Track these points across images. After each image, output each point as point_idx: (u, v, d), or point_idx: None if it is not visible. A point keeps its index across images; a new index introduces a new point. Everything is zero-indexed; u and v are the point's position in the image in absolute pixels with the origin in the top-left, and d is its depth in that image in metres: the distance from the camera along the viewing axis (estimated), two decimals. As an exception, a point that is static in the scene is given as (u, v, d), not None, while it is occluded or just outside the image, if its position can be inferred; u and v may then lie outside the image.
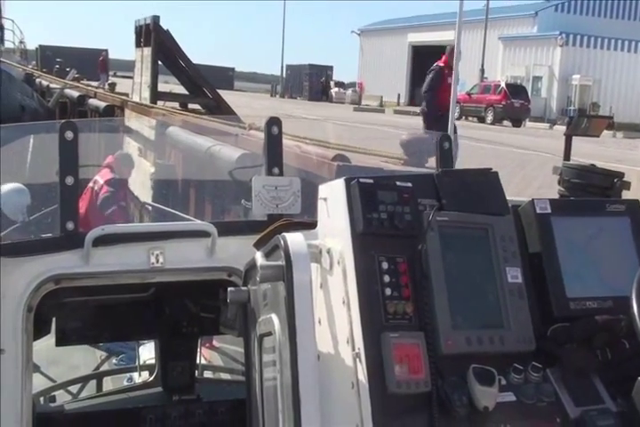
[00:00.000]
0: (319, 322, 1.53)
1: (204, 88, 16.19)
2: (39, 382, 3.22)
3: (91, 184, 7.00)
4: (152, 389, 3.14)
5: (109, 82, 24.81)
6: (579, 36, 35.89)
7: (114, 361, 4.51)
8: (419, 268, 1.46)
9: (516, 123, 28.42)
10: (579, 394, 1.50)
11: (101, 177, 7.09)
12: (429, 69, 10.11)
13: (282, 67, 48.91)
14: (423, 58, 42.96)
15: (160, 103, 15.72)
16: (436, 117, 9.40)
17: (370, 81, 45.56)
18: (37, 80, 24.63)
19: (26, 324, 1.98)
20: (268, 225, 1.82)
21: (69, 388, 3.65)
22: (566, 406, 1.48)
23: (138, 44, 17.18)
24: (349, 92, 44.02)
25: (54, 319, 2.64)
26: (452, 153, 2.06)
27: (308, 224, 1.72)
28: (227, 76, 50.79)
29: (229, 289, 1.71)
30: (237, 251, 2.07)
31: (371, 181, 1.51)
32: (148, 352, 3.80)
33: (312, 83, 44.86)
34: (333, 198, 1.55)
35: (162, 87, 17.47)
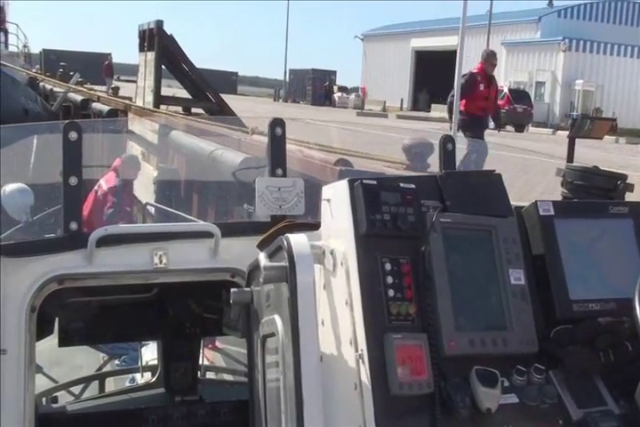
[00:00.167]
0: (322, 323, 1.54)
1: (208, 92, 16.23)
2: (41, 383, 3.22)
3: (96, 187, 7.01)
4: (154, 390, 3.14)
5: (113, 86, 24.87)
6: (581, 41, 35.93)
7: (116, 362, 4.50)
8: (422, 269, 1.47)
9: (519, 128, 28.45)
10: (581, 396, 1.50)
11: (106, 182, 7.09)
12: (462, 75, 9.79)
13: (285, 71, 49.03)
14: (426, 63, 43.13)
15: (163, 107, 15.76)
16: (466, 124, 9.09)
17: (373, 86, 45.63)
18: (41, 84, 24.70)
19: (29, 324, 1.98)
20: (271, 226, 1.83)
21: (72, 389, 3.65)
22: (569, 407, 1.48)
23: (141, 49, 17.24)
24: (352, 96, 44.10)
25: (57, 320, 2.64)
26: (454, 155, 2.06)
27: (312, 225, 1.73)
28: (230, 81, 50.92)
29: (232, 290, 1.71)
30: (241, 252, 2.07)
31: (374, 182, 1.51)
32: (150, 353, 3.80)
33: (315, 87, 44.95)
34: (337, 199, 1.55)
35: (165, 91, 17.51)
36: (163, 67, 16.37)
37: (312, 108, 37.09)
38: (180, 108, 16.52)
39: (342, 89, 47.56)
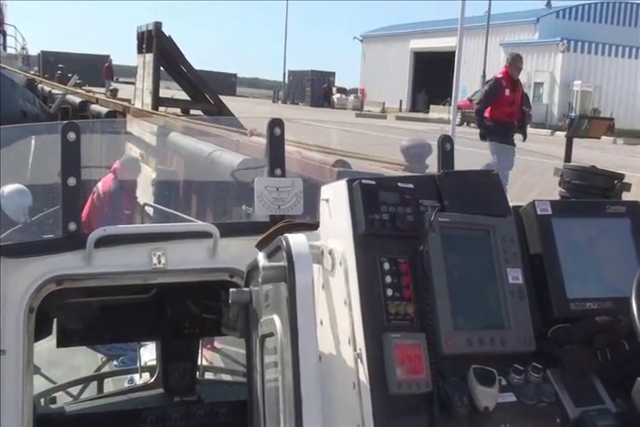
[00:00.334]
0: (321, 323, 1.54)
1: (206, 94, 16.24)
2: (40, 384, 3.22)
3: (94, 189, 6.99)
4: (153, 390, 3.14)
5: (111, 88, 24.87)
6: (580, 42, 35.96)
7: (115, 363, 4.51)
8: (420, 269, 1.47)
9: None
10: (578, 394, 1.51)
11: (102, 184, 7.06)
12: (486, 81, 9.82)
13: (284, 73, 49.05)
14: (425, 64, 43.14)
15: (162, 109, 15.76)
16: (491, 131, 8.90)
17: (372, 87, 45.63)
18: (39, 86, 24.70)
19: (27, 325, 1.98)
20: (270, 226, 1.83)
21: (70, 389, 3.65)
22: (566, 406, 1.49)
23: (140, 50, 17.24)
24: (351, 98, 44.11)
25: (55, 320, 2.64)
26: (453, 155, 2.06)
27: (310, 225, 1.73)
28: (229, 82, 50.91)
29: (231, 290, 1.71)
30: (239, 252, 2.07)
31: (373, 182, 1.52)
32: (149, 354, 3.80)
33: (314, 89, 44.96)
34: (335, 199, 1.55)
35: (164, 93, 17.51)
36: (161, 68, 16.38)
37: (311, 109, 37.09)
38: (178, 110, 16.53)
39: (341, 90, 47.58)
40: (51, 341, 2.72)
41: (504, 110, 9.00)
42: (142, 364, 3.81)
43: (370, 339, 1.40)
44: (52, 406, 3.09)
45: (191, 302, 2.84)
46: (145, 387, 3.24)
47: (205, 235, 2.11)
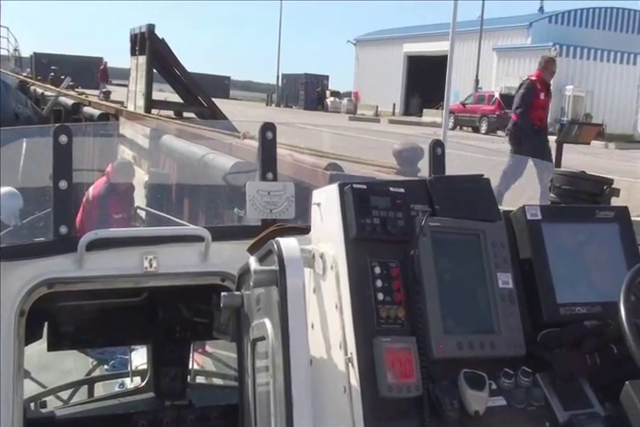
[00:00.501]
0: (312, 326, 1.54)
1: (199, 96, 16.22)
2: (30, 388, 3.20)
3: (86, 192, 6.95)
4: (144, 394, 3.13)
5: (104, 90, 24.82)
6: (572, 47, 36.14)
7: (105, 367, 4.49)
8: (411, 273, 1.48)
9: (510, 133, 28.58)
10: (568, 398, 1.52)
11: (93, 188, 7.02)
12: (520, 84, 9.26)
13: (278, 76, 49.06)
14: (418, 68, 43.23)
15: (154, 111, 15.74)
16: (527, 136, 8.50)
17: (365, 91, 45.70)
18: (32, 88, 24.62)
19: (17, 328, 1.97)
20: (261, 230, 1.83)
21: (60, 393, 3.63)
22: (555, 410, 1.50)
23: (133, 53, 17.23)
24: (345, 101, 44.14)
25: (46, 324, 2.63)
26: (444, 159, 2.07)
27: (302, 229, 1.73)
28: (223, 85, 50.84)
29: (223, 294, 1.71)
30: (231, 256, 2.07)
31: (364, 186, 1.52)
32: (140, 358, 3.79)
33: (308, 92, 44.98)
34: (327, 203, 1.56)
35: (157, 95, 17.48)
36: (154, 71, 16.36)
37: (304, 112, 37.10)
38: (171, 113, 16.50)
39: (335, 94, 47.62)
40: (41, 344, 2.71)
41: (537, 114, 8.65)
42: (133, 368, 3.80)
43: (361, 343, 1.41)
44: (43, 411, 3.07)
45: (183, 306, 2.83)
46: (136, 391, 3.23)
47: (197, 239, 2.11)
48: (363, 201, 1.50)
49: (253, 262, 1.55)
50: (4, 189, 3.68)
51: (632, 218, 1.73)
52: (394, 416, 1.39)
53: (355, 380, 1.40)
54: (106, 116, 16.04)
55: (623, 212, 1.73)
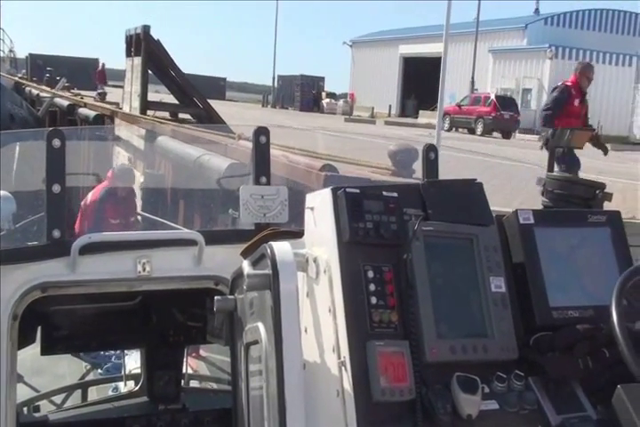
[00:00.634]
0: (305, 330, 1.54)
1: (195, 98, 16.21)
2: (23, 392, 3.20)
3: (85, 198, 6.93)
4: (137, 398, 3.12)
5: (100, 91, 24.78)
6: (568, 49, 36.24)
7: (99, 371, 4.49)
8: (404, 277, 1.48)
9: (506, 134, 28.63)
10: (560, 402, 1.52)
11: (92, 194, 7.01)
12: (554, 87, 8.76)
13: (273, 77, 49.05)
14: (414, 69, 43.28)
15: (150, 113, 15.72)
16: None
17: (361, 92, 45.74)
18: (27, 89, 24.58)
19: (10, 332, 1.96)
20: (255, 234, 1.83)
21: (54, 398, 3.62)
22: (548, 413, 1.50)
23: (128, 54, 17.21)
24: (341, 102, 44.14)
25: (39, 328, 2.62)
26: (437, 164, 2.07)
27: (295, 233, 1.73)
28: (218, 86, 50.77)
29: (216, 298, 1.71)
30: (224, 260, 2.07)
31: (357, 190, 1.52)
32: (133, 362, 3.79)
33: (304, 93, 44.96)
34: (320, 208, 1.56)
35: (152, 97, 17.47)
36: (150, 72, 16.35)
37: (300, 114, 37.08)
38: (167, 114, 16.48)
39: (331, 95, 47.61)
40: (34, 348, 2.70)
41: (570, 122, 8.17)
42: (127, 372, 3.79)
43: (354, 347, 1.41)
44: (36, 415, 3.06)
45: (176, 310, 2.83)
46: (129, 395, 3.22)
47: (191, 242, 2.11)
48: (356, 205, 1.50)
49: (247, 266, 1.55)
50: (-2, 193, 3.67)
51: (628, 220, 1.74)
52: (387, 420, 1.39)
53: (348, 384, 1.40)
54: (101, 118, 16.02)
55: (615, 216, 1.74)
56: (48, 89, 23.17)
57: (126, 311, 2.73)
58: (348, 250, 1.47)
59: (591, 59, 36.56)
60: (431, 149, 2.09)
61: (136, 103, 16.28)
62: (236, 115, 21.39)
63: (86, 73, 35.69)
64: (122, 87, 19.25)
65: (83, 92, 23.30)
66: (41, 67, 35.34)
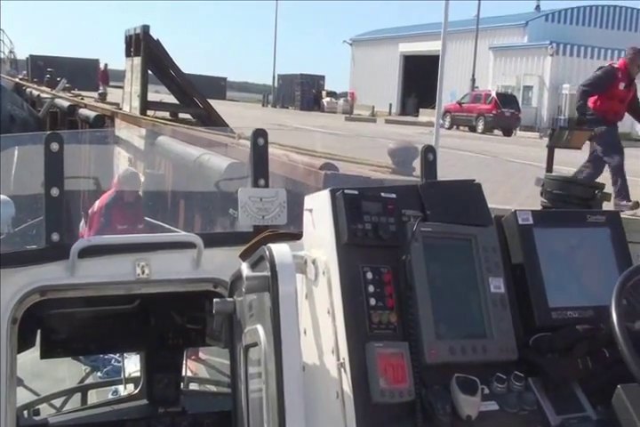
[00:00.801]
0: (304, 332, 1.54)
1: (195, 98, 16.22)
2: (23, 396, 3.19)
3: (93, 204, 6.93)
4: (137, 401, 3.12)
5: (100, 92, 24.80)
6: (569, 45, 36.18)
7: (99, 374, 4.49)
8: (403, 278, 1.48)
9: (507, 132, 28.58)
10: (560, 402, 1.52)
11: (99, 200, 7.00)
12: (599, 67, 8.15)
13: (274, 76, 49.03)
14: (414, 67, 43.24)
15: (150, 113, 15.72)
16: (588, 121, 7.62)
17: (361, 91, 45.70)
18: (28, 90, 24.60)
19: (10, 336, 1.96)
20: (253, 236, 1.83)
21: (53, 401, 3.62)
22: (548, 414, 1.50)
23: (128, 54, 17.22)
24: (341, 101, 44.09)
25: (39, 331, 2.62)
26: (435, 165, 2.06)
27: (294, 235, 1.73)
28: (219, 86, 50.72)
29: (215, 300, 1.71)
30: (223, 262, 2.07)
31: (355, 192, 1.52)
32: (133, 365, 3.79)
33: (304, 92, 44.92)
34: (319, 209, 1.56)
35: (152, 97, 17.47)
36: (150, 72, 16.35)
37: (301, 113, 37.07)
38: (167, 114, 16.49)
39: (331, 94, 47.56)
40: (34, 352, 2.70)
41: (612, 105, 7.58)
42: (126, 375, 3.79)
43: (353, 348, 1.40)
44: (36, 418, 3.06)
45: (175, 313, 2.83)
46: (129, 398, 3.22)
47: (189, 245, 2.11)
48: (354, 207, 1.50)
49: (245, 269, 1.55)
50: (-4, 198, 3.67)
51: (629, 216, 1.73)
52: (386, 422, 1.39)
53: (347, 385, 1.40)
54: (101, 118, 16.04)
55: (615, 216, 1.73)
56: (48, 90, 23.20)
57: (125, 314, 2.73)
58: (347, 251, 1.47)
59: (592, 55, 36.58)
60: (430, 150, 2.08)
61: (136, 103, 16.29)
62: (236, 114, 21.39)
63: (87, 74, 35.69)
64: (122, 88, 19.25)
65: (83, 93, 23.32)
66: (41, 68, 35.33)
